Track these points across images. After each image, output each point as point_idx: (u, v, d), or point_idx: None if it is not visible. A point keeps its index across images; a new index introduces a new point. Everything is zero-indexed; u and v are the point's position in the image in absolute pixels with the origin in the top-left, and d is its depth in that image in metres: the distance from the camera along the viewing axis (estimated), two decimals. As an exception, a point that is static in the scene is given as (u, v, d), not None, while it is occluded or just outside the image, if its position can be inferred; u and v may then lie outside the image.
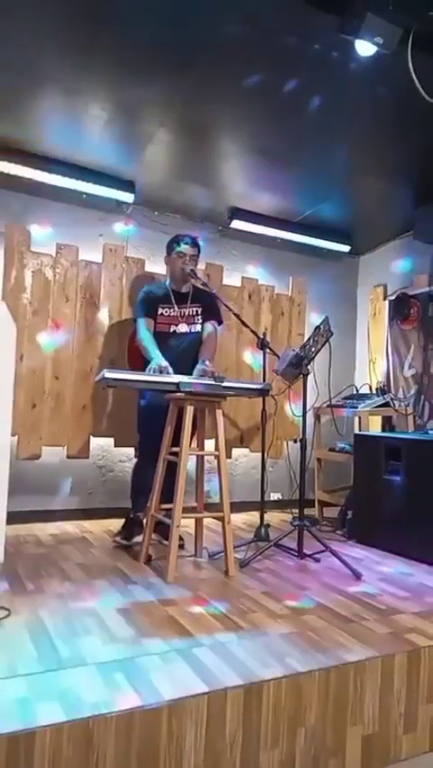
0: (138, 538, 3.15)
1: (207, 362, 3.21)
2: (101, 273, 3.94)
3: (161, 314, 3.39)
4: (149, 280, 3.95)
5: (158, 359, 3.05)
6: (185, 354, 3.31)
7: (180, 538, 3.16)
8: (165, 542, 3.16)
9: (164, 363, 2.99)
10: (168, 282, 3.48)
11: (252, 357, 4.41)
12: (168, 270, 3.51)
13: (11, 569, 2.66)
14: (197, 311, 3.43)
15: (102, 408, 3.90)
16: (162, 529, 3.18)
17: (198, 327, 3.43)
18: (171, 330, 3.38)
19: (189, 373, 3.08)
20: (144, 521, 3.06)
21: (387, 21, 2.47)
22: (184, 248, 3.36)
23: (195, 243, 3.42)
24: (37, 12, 2.54)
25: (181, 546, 3.16)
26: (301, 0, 2.46)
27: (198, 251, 3.45)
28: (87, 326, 3.89)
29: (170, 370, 2.97)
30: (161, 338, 3.33)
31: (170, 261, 3.44)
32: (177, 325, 3.39)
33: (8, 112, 3.18)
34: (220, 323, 3.54)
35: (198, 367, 3.16)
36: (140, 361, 3.26)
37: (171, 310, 3.39)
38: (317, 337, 3.05)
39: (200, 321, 3.43)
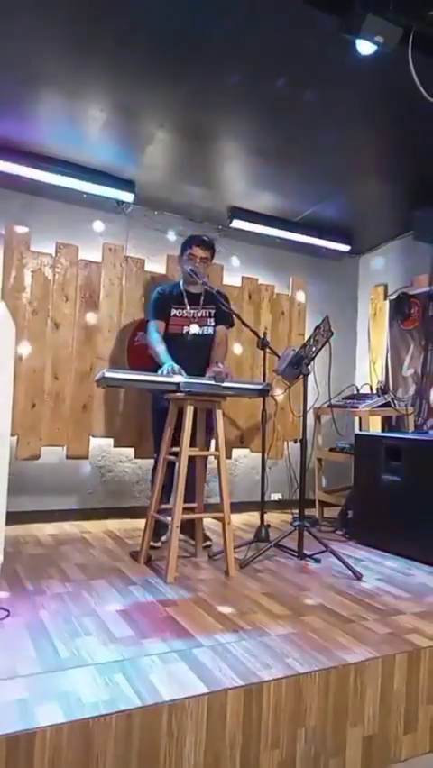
0: (164, 538, 3.18)
1: (221, 365, 3.19)
2: (100, 273, 3.94)
3: (174, 315, 3.38)
4: (151, 282, 3.95)
5: (169, 363, 3.01)
6: (196, 355, 3.29)
7: (207, 538, 3.22)
8: (191, 540, 3.20)
9: (176, 367, 2.96)
10: (181, 283, 3.47)
11: (252, 357, 4.41)
12: (181, 271, 3.50)
13: (10, 569, 2.65)
14: (210, 312, 3.43)
15: (102, 409, 3.90)
16: (189, 529, 3.18)
17: (211, 330, 3.42)
18: (184, 331, 3.37)
19: (201, 374, 3.05)
20: (145, 521, 3.05)
21: (387, 20, 2.47)
22: (195, 250, 3.37)
23: (207, 246, 3.43)
24: (37, 12, 2.54)
25: (209, 547, 3.19)
26: (301, 0, 2.46)
27: (212, 254, 3.46)
28: (86, 326, 3.89)
29: (183, 373, 2.92)
30: (174, 339, 3.32)
31: (181, 262, 3.44)
32: (189, 326, 3.38)
33: (8, 111, 3.17)
34: (232, 325, 3.53)
35: (213, 369, 3.11)
36: (139, 361, 3.25)
37: (184, 311, 3.38)
38: (318, 337, 3.04)
39: (213, 323, 3.43)
